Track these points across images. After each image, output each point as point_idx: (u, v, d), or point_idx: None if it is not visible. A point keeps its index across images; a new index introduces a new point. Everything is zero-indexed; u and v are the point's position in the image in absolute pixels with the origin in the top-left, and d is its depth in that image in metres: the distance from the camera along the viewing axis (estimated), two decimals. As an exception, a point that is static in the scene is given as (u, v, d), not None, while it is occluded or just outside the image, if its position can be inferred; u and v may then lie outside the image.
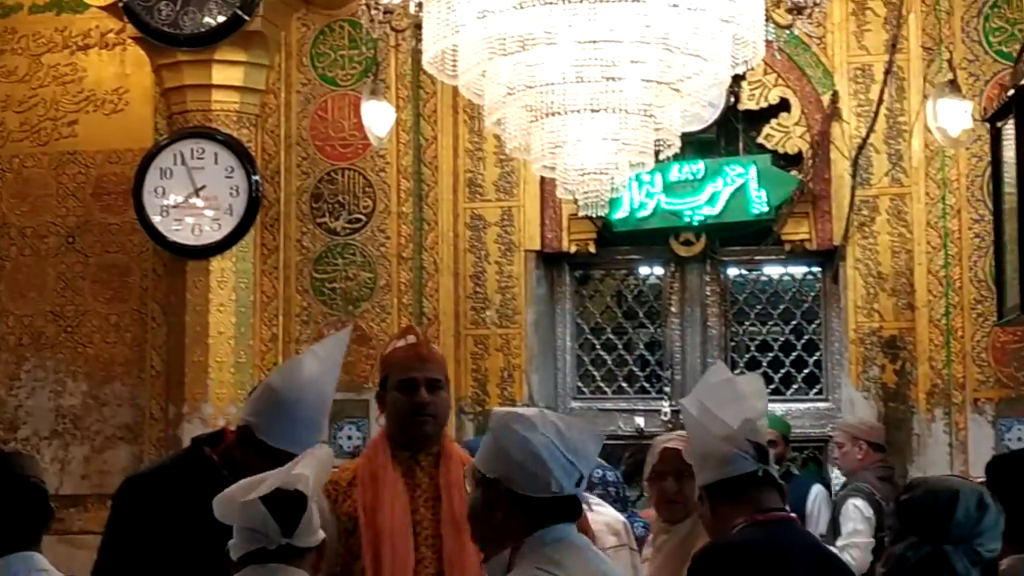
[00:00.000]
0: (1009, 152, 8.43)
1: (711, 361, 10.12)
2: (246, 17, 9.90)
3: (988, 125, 8.94)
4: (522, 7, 6.25)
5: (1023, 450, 6.83)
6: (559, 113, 6.64)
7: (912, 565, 4.09)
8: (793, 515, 4.55)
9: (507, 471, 3.84)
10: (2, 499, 4.63)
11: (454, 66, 6.67)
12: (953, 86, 9.07)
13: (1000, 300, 8.87)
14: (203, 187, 10.06)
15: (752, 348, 10.33)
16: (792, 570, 4.32)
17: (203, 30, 9.96)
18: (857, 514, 8.60)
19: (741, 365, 10.22)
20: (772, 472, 4.46)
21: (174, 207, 10.08)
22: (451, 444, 5.32)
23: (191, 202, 10.07)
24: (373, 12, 6.80)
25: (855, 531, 8.57)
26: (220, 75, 10.11)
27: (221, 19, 9.92)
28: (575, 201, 7.24)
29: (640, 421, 10.18)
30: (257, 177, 10.08)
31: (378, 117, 9.63)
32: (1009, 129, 8.41)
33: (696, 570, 4.37)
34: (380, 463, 5.12)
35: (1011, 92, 8.43)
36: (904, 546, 4.13)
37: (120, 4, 10.02)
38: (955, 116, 8.98)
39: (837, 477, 9.51)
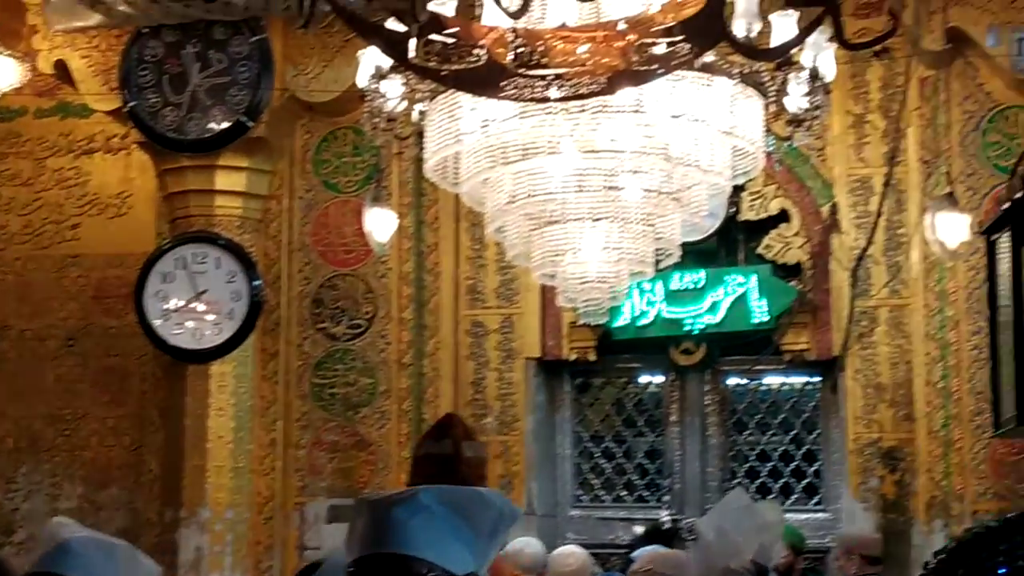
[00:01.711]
0: (1004, 265, 8.42)
1: (710, 470, 10.13)
2: (250, 124, 9.96)
3: (984, 237, 8.96)
4: (524, 116, 6.30)
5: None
6: (560, 221, 6.67)
7: None
8: None
9: None
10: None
11: (456, 174, 6.70)
12: (951, 199, 9.08)
13: (996, 412, 8.72)
14: (204, 291, 10.07)
15: (752, 457, 10.30)
16: None
17: (207, 136, 10.01)
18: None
19: (740, 474, 10.19)
20: None
21: (175, 311, 10.08)
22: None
23: (192, 306, 10.08)
24: (376, 119, 6.82)
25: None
26: (223, 180, 10.16)
27: (225, 125, 9.98)
28: (576, 309, 7.26)
29: (639, 530, 10.12)
30: (259, 282, 10.09)
31: (380, 223, 9.66)
32: (1004, 242, 8.41)
33: None
34: None
35: (1006, 205, 8.46)
36: None
37: (125, 109, 10.10)
38: (953, 229, 8.99)
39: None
